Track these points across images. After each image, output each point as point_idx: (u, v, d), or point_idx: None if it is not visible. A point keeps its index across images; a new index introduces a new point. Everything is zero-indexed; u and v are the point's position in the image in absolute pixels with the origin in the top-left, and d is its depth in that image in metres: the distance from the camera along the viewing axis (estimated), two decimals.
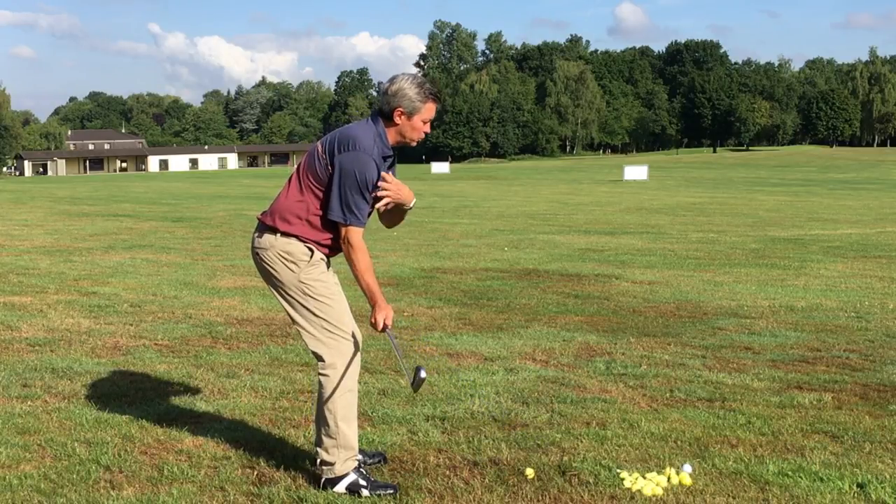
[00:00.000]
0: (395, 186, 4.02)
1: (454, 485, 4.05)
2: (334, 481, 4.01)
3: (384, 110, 3.97)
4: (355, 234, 3.91)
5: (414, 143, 4.10)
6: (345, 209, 3.88)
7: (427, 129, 4.05)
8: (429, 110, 3.99)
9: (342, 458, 4.01)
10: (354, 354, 4.06)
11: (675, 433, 4.79)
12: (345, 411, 4.01)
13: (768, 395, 5.57)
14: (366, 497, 3.92)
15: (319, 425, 4.07)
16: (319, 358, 4.03)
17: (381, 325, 3.94)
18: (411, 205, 4.14)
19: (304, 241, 4.00)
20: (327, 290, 4.04)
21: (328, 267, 4.10)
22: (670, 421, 5.02)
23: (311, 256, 4.02)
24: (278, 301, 4.12)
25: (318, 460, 4.07)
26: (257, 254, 4.08)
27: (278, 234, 4.01)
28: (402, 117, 3.97)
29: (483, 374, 6.10)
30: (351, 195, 3.87)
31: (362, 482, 3.97)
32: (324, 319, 4.00)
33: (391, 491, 3.96)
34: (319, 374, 4.04)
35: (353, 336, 4.08)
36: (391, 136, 4.01)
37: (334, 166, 3.89)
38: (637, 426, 4.91)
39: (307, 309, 4.01)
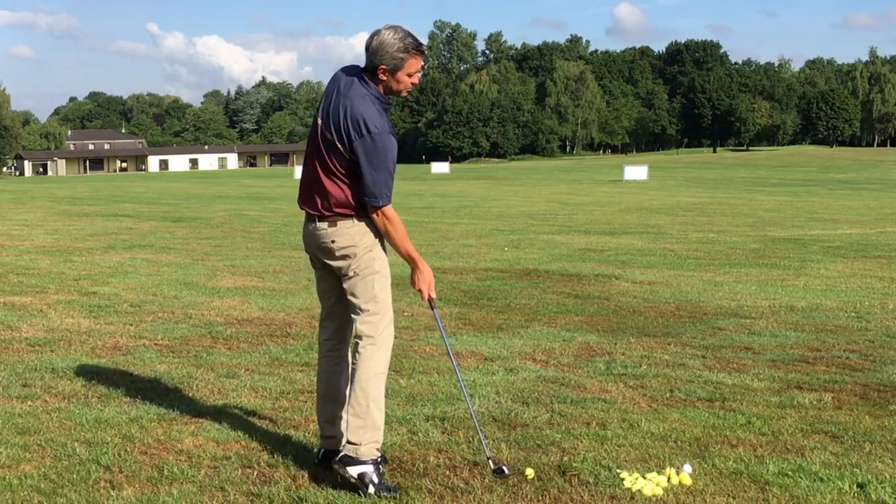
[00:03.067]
0: (426, 285, 4.12)
1: (454, 485, 4.05)
2: (352, 461, 3.97)
3: (368, 67, 4.00)
4: (390, 208, 4.00)
5: (402, 95, 4.12)
6: (380, 191, 3.94)
7: (414, 80, 4.06)
8: (412, 65, 3.99)
9: (367, 440, 4.00)
10: (392, 337, 4.16)
11: (675, 433, 4.79)
12: (377, 393, 4.04)
13: (768, 395, 5.57)
14: (370, 494, 3.90)
15: (348, 406, 4.06)
16: (364, 335, 4.06)
17: (426, 295, 4.11)
18: None
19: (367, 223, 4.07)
20: (387, 270, 4.14)
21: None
22: (670, 421, 5.02)
23: (378, 237, 4.11)
24: (346, 283, 4.10)
25: (344, 440, 4.05)
26: (332, 241, 4.06)
27: (354, 219, 4.04)
28: (386, 74, 3.98)
29: (483, 374, 6.10)
30: (382, 177, 3.93)
31: (375, 478, 3.94)
32: (382, 298, 4.08)
33: (393, 493, 3.95)
34: (359, 351, 4.05)
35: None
36: (381, 89, 4.03)
37: (357, 153, 3.92)
38: (637, 426, 4.91)
39: (372, 286, 4.06)
